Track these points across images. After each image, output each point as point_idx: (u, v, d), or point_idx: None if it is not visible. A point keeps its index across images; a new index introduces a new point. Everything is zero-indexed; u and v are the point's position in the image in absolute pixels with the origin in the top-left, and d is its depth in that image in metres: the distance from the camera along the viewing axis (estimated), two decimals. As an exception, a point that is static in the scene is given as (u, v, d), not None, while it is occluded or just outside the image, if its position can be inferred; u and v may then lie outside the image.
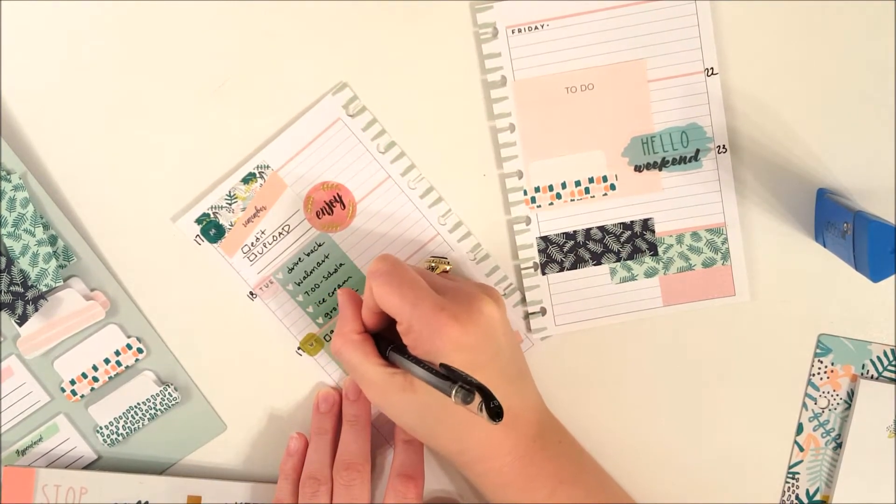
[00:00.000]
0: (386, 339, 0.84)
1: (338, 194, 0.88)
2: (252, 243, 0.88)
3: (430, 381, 0.74)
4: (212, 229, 0.88)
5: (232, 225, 0.88)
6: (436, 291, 0.80)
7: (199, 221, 0.88)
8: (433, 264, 0.89)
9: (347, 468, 0.85)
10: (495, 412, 0.68)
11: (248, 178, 0.88)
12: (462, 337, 0.77)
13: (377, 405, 0.85)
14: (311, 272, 0.89)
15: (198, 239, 0.88)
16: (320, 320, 0.90)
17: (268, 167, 0.87)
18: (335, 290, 0.90)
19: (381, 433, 0.92)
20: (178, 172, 0.88)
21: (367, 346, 0.83)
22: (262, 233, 0.88)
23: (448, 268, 0.89)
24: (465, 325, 0.78)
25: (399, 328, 0.80)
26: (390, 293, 0.79)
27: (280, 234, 0.88)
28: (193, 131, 0.88)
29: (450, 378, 0.72)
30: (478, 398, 0.68)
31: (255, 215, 0.88)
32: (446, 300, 0.79)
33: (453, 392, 0.69)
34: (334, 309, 0.90)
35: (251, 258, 0.89)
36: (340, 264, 0.89)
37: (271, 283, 0.89)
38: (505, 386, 0.80)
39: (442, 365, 0.75)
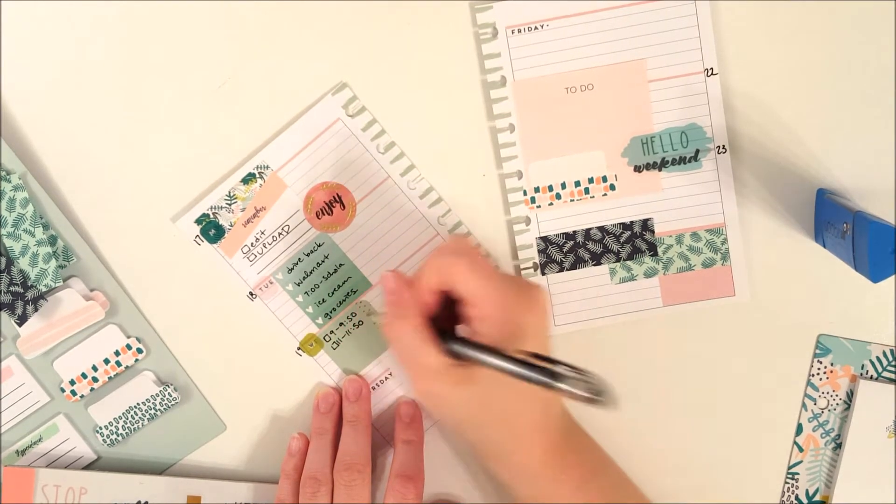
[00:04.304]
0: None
1: (337, 194, 0.88)
2: (252, 244, 0.88)
3: (520, 373, 0.73)
4: (211, 230, 0.88)
5: (232, 225, 0.88)
6: (500, 272, 0.81)
7: (198, 222, 0.88)
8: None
9: (348, 469, 0.85)
10: (599, 394, 0.69)
11: (248, 179, 0.88)
12: (533, 326, 0.78)
13: (424, 396, 0.82)
14: (310, 272, 0.89)
15: (197, 239, 0.89)
16: (320, 320, 0.90)
17: (267, 167, 0.88)
18: (335, 290, 0.90)
19: (381, 433, 0.92)
20: (178, 173, 0.88)
21: (428, 333, 0.79)
22: (262, 233, 0.88)
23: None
24: (536, 314, 0.79)
25: (472, 312, 0.79)
26: (475, 275, 0.77)
27: (280, 234, 0.88)
28: (193, 131, 0.88)
29: (536, 367, 0.72)
30: (585, 383, 0.69)
31: (254, 216, 0.88)
32: (515, 287, 0.80)
33: (559, 380, 0.70)
34: (334, 309, 0.90)
35: (251, 258, 0.89)
36: (340, 265, 0.89)
37: (271, 283, 0.89)
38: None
39: (535, 354, 0.74)
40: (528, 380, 0.72)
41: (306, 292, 0.90)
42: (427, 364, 0.78)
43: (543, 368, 0.72)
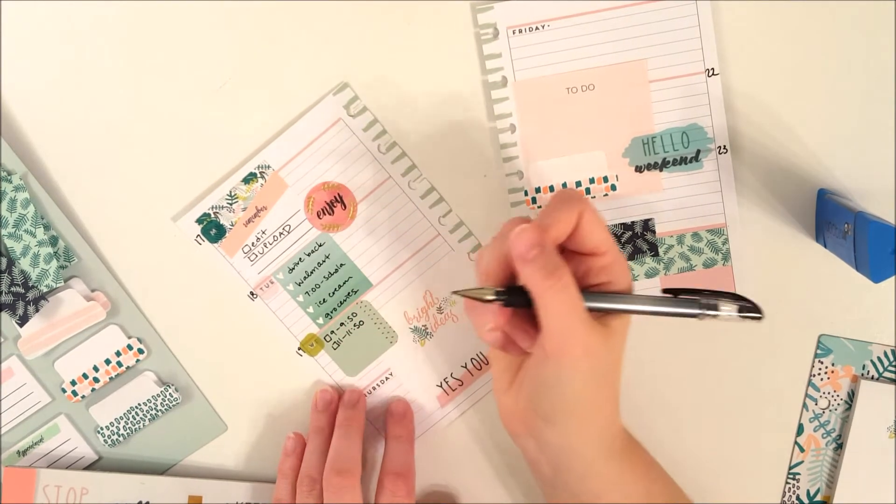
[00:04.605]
0: (517, 288, 0.74)
1: (338, 194, 0.88)
2: (253, 243, 0.88)
3: (676, 311, 0.73)
4: (212, 229, 0.88)
5: (233, 225, 0.88)
6: None
7: (199, 221, 0.88)
8: None
9: (338, 474, 0.84)
10: (757, 311, 0.71)
11: (249, 178, 0.88)
12: None
13: (584, 356, 0.71)
14: (311, 272, 0.89)
15: (198, 239, 0.89)
16: (321, 321, 0.90)
17: (269, 167, 0.88)
18: (336, 290, 0.90)
19: (374, 426, 0.93)
20: (179, 172, 0.88)
21: (576, 285, 0.72)
22: (263, 233, 0.88)
23: None
24: None
25: (601, 261, 0.75)
26: (601, 221, 0.74)
27: (281, 234, 0.88)
28: (194, 131, 0.88)
29: (686, 301, 0.73)
30: (738, 303, 0.71)
31: (255, 215, 0.88)
32: None
33: (715, 308, 0.71)
34: (335, 309, 0.90)
35: (252, 258, 0.89)
36: (341, 264, 0.89)
37: (272, 283, 0.89)
38: None
39: (668, 290, 0.75)
40: (685, 315, 0.72)
41: (307, 292, 0.90)
42: (585, 317, 0.71)
43: (693, 300, 0.72)
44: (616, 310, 0.74)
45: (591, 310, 0.72)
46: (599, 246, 0.74)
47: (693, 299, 0.73)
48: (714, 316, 0.71)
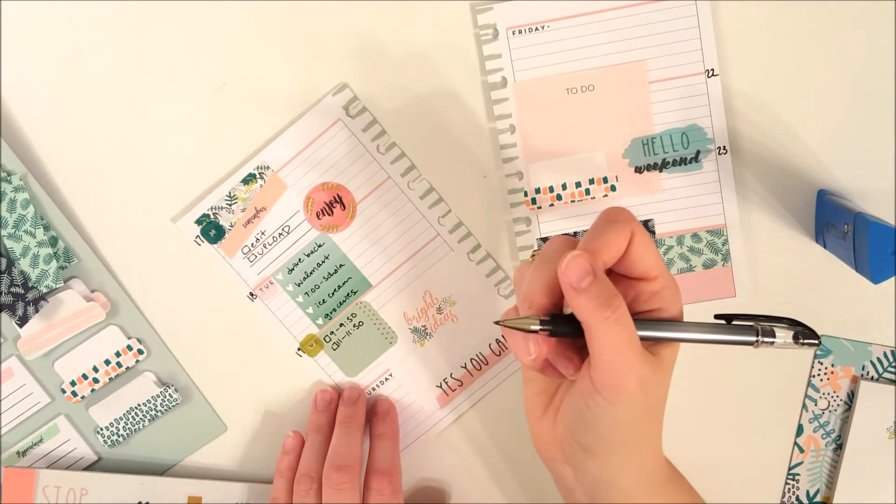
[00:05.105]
0: (565, 317, 0.70)
1: (338, 195, 0.88)
2: (252, 244, 0.88)
3: (731, 339, 0.69)
4: (212, 230, 0.88)
5: (232, 226, 0.88)
6: None
7: (199, 222, 0.88)
8: None
9: (338, 471, 0.84)
10: (814, 336, 0.68)
11: (249, 179, 0.88)
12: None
13: (639, 387, 0.67)
14: (311, 273, 0.89)
15: (198, 240, 0.89)
16: (320, 321, 0.90)
17: (268, 168, 0.88)
18: (335, 290, 0.90)
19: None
20: (179, 173, 0.88)
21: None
22: (262, 233, 0.88)
23: None
24: None
25: (652, 286, 0.71)
26: (652, 244, 0.70)
27: (280, 234, 0.88)
28: (194, 132, 0.88)
29: (740, 327, 0.69)
30: (794, 329, 0.68)
31: (255, 216, 0.88)
32: None
33: (769, 335, 0.68)
34: (334, 310, 0.90)
35: (251, 259, 0.89)
36: (340, 265, 0.89)
37: (271, 283, 0.89)
38: None
39: (721, 316, 0.71)
40: (742, 343, 0.69)
41: (306, 293, 0.90)
42: (640, 349, 0.68)
43: (749, 327, 0.69)
44: (669, 339, 0.70)
45: (642, 338, 0.69)
46: (650, 270, 0.70)
47: (749, 325, 0.69)
48: (770, 343, 0.69)
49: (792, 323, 0.69)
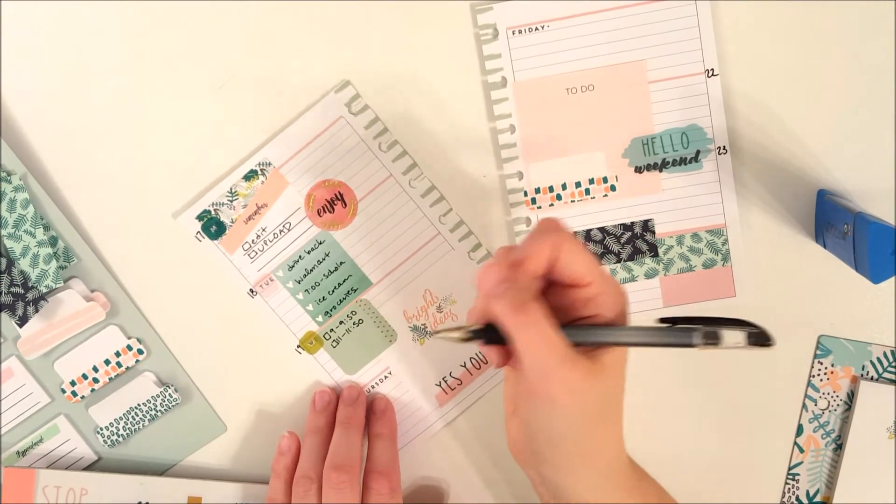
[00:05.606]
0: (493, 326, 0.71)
1: (339, 192, 0.88)
2: (253, 240, 0.89)
3: (671, 341, 0.68)
4: (213, 226, 0.88)
5: (233, 222, 0.88)
6: None
7: (200, 218, 0.88)
8: None
9: (338, 470, 0.84)
10: (766, 338, 0.66)
11: (250, 176, 0.88)
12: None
13: (559, 392, 0.68)
14: (311, 270, 0.89)
15: (198, 236, 0.89)
16: (320, 318, 0.90)
17: (269, 164, 0.88)
18: (335, 288, 0.90)
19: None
20: (180, 170, 0.89)
21: (552, 319, 0.68)
22: (263, 230, 0.88)
23: None
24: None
25: (586, 292, 0.70)
26: (584, 252, 0.70)
27: (281, 231, 0.89)
28: (196, 129, 0.88)
29: (683, 329, 0.67)
30: (743, 331, 0.66)
31: (255, 212, 0.88)
32: None
33: (717, 335, 0.66)
34: (334, 307, 0.90)
35: (251, 255, 0.89)
36: (341, 262, 0.89)
37: (271, 280, 0.89)
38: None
39: (665, 319, 0.69)
40: (681, 345, 0.67)
41: (307, 290, 0.90)
42: (563, 354, 0.67)
43: (692, 329, 0.67)
44: (602, 343, 0.70)
45: (577, 344, 0.69)
46: (582, 277, 0.70)
47: (692, 328, 0.68)
48: (714, 345, 0.66)
49: (742, 324, 0.67)
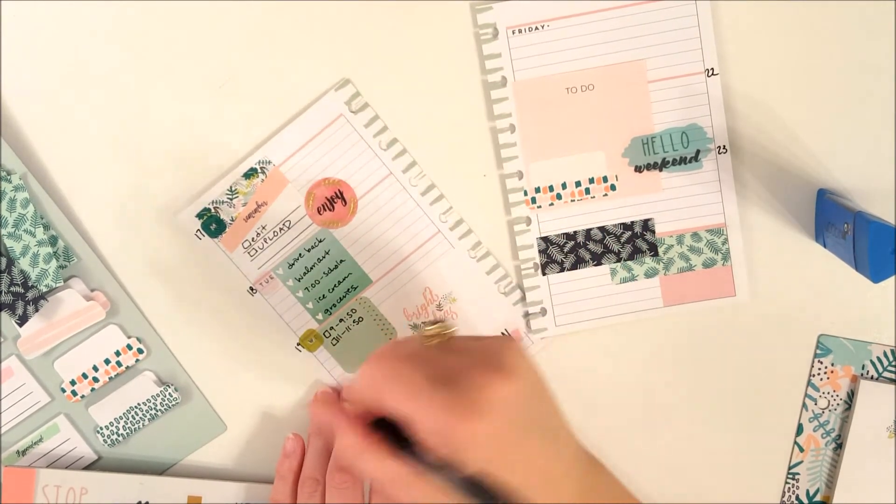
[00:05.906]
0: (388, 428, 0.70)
1: (339, 190, 0.88)
2: (253, 238, 0.89)
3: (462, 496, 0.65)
4: (213, 224, 0.88)
5: (233, 220, 0.88)
6: (437, 379, 0.67)
7: (200, 216, 0.88)
8: (432, 331, 0.73)
9: (341, 471, 0.83)
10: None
11: (250, 174, 0.88)
12: (477, 433, 0.65)
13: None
14: (311, 268, 0.89)
15: (198, 234, 0.89)
16: (320, 316, 0.90)
17: (269, 163, 0.88)
18: (335, 286, 0.90)
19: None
20: (181, 167, 0.88)
21: (382, 448, 0.68)
22: (263, 228, 0.88)
23: (454, 329, 0.74)
24: (479, 419, 0.65)
25: (412, 430, 0.67)
26: (405, 398, 0.67)
27: (281, 229, 0.89)
28: (196, 127, 0.88)
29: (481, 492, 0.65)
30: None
31: (256, 210, 0.88)
32: (450, 394, 0.66)
33: None
34: (334, 305, 0.90)
35: (252, 253, 0.89)
36: (341, 260, 0.89)
37: (271, 278, 0.89)
38: (542, 461, 0.69)
39: (467, 478, 0.66)
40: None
41: (307, 288, 0.90)
42: (401, 482, 0.67)
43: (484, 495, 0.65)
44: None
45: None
46: (405, 421, 0.67)
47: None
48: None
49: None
